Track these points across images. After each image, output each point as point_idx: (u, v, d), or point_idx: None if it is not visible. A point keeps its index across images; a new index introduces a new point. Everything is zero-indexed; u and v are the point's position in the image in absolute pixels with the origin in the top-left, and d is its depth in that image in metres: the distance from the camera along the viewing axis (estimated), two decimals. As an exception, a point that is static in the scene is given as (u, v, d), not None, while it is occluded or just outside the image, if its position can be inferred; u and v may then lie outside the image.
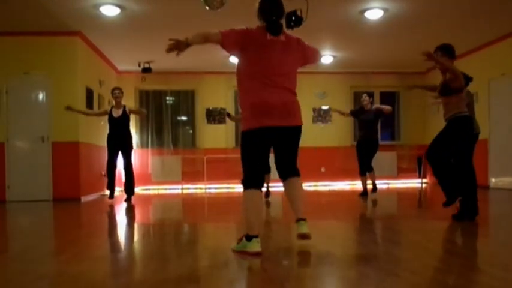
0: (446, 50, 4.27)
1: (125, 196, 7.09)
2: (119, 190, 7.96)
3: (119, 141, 6.88)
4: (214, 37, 2.84)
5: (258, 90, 2.86)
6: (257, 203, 2.89)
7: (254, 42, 2.90)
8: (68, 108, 6.70)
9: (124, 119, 6.91)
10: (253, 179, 2.87)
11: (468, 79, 4.82)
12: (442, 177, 4.12)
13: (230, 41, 2.87)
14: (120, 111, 6.92)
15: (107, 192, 7.17)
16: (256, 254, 2.70)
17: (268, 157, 2.98)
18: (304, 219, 2.98)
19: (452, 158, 4.17)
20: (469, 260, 2.70)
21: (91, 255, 3.00)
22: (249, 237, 2.76)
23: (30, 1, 6.12)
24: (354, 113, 7.42)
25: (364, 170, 7.00)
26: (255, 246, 2.72)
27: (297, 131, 2.98)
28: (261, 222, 2.92)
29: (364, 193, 7.07)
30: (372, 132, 6.99)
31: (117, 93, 6.97)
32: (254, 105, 2.84)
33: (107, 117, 6.99)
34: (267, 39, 2.93)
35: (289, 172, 3.05)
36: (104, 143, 7.11)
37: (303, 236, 2.96)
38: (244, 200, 2.87)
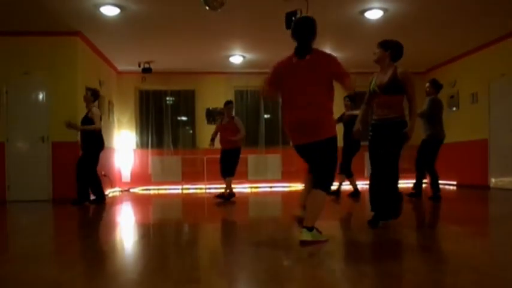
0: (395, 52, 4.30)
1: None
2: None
3: (83, 145, 6.81)
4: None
5: (286, 111, 3.27)
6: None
7: (283, 72, 3.23)
8: (69, 125, 6.65)
9: (84, 121, 6.77)
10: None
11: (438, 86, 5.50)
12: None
13: (271, 87, 3.31)
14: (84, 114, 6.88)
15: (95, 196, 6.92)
16: (325, 241, 3.13)
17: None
18: (306, 227, 3.09)
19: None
20: (469, 259, 2.70)
21: (91, 256, 3.00)
22: (311, 228, 3.08)
23: (30, 1, 6.12)
24: (338, 120, 7.41)
25: (349, 170, 7.08)
26: (322, 236, 3.16)
27: (318, 145, 3.16)
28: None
29: (355, 193, 7.13)
30: (349, 133, 6.94)
31: (88, 95, 6.85)
32: (285, 126, 3.34)
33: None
34: (292, 64, 3.22)
35: (314, 184, 3.23)
36: (104, 143, 7.07)
37: (301, 243, 3.06)
38: (323, 201, 3.21)
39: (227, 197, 6.94)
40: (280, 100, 3.34)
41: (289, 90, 3.20)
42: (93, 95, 6.85)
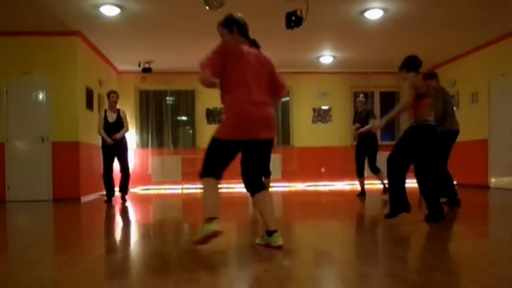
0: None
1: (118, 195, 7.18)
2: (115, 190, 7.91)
3: (114, 146, 6.87)
4: None
5: (236, 101, 3.01)
6: (216, 189, 2.97)
7: (231, 57, 3.02)
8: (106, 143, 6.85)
9: (119, 124, 6.93)
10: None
11: None
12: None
13: (214, 72, 2.98)
14: (115, 116, 6.94)
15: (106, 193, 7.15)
16: (215, 234, 2.79)
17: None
18: (274, 231, 2.97)
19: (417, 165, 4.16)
20: (469, 259, 2.70)
21: (91, 256, 3.00)
22: (208, 220, 2.82)
23: (30, 1, 6.12)
24: (354, 120, 7.40)
25: (361, 171, 7.00)
26: (214, 226, 2.79)
27: (269, 144, 3.06)
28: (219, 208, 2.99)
29: (361, 194, 7.08)
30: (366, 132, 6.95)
31: (114, 96, 6.96)
32: (233, 117, 3.04)
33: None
34: (244, 51, 3.06)
35: (255, 187, 3.06)
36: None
37: (279, 247, 2.94)
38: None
39: None
40: (220, 86, 3.01)
41: (241, 78, 2.87)
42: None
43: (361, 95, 7.25)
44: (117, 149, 6.92)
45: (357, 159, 7.05)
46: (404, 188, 4.11)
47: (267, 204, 3.01)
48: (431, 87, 4.99)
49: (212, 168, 2.95)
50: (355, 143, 7.40)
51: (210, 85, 2.93)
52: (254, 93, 2.87)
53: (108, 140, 6.79)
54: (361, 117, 7.04)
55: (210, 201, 2.89)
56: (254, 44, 3.09)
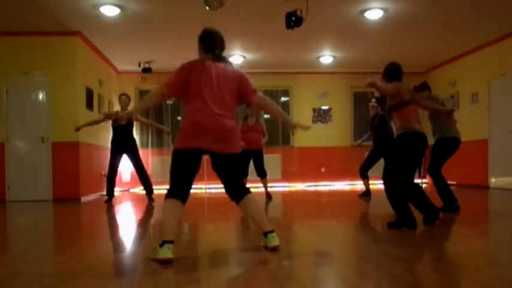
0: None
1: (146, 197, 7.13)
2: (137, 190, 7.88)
3: (125, 147, 6.83)
4: None
5: (196, 112, 2.97)
6: (177, 212, 2.89)
7: (193, 72, 3.00)
8: (77, 129, 6.73)
9: (130, 126, 6.87)
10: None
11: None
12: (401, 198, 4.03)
13: (177, 85, 2.99)
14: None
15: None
16: (167, 261, 2.61)
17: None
18: (270, 232, 2.95)
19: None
20: (469, 259, 2.70)
21: (91, 256, 3.00)
22: (162, 243, 2.68)
23: (30, 1, 6.12)
24: (368, 128, 7.33)
25: (366, 171, 6.97)
26: (166, 252, 2.63)
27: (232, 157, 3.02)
28: (176, 232, 2.94)
29: (366, 193, 7.06)
30: (377, 136, 6.89)
31: (124, 98, 6.89)
32: (190, 125, 3.00)
33: (110, 121, 6.97)
34: (205, 66, 3.03)
35: (237, 193, 3.05)
36: (104, 143, 7.10)
37: (275, 249, 2.91)
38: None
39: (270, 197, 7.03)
40: (182, 99, 3.00)
41: (198, 91, 2.87)
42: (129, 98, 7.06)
43: (373, 100, 7.04)
44: (127, 149, 6.83)
45: (369, 161, 6.93)
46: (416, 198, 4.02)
47: (251, 209, 2.99)
48: (425, 97, 4.94)
49: (177, 187, 2.95)
50: (355, 143, 7.36)
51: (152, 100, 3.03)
52: (210, 105, 2.86)
53: (118, 116, 6.72)
54: (374, 123, 6.93)
55: (169, 223, 2.78)
56: (219, 58, 3.05)
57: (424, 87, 5.22)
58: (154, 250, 2.73)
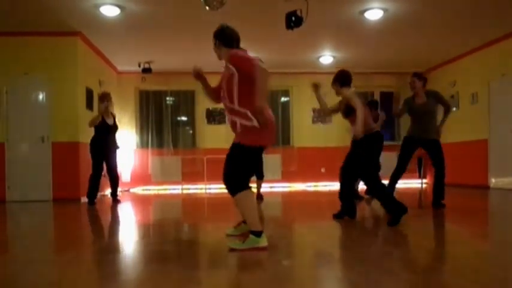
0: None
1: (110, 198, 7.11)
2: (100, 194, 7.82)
3: (108, 147, 6.80)
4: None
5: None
6: (256, 202, 3.11)
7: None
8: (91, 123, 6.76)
9: (115, 127, 6.92)
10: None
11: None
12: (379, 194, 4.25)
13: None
14: (112, 119, 6.90)
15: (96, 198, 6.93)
16: (265, 248, 2.90)
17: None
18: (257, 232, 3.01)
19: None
20: (469, 259, 2.70)
21: (91, 256, 3.00)
22: (258, 234, 2.92)
23: (30, 1, 6.13)
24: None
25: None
26: (265, 241, 2.94)
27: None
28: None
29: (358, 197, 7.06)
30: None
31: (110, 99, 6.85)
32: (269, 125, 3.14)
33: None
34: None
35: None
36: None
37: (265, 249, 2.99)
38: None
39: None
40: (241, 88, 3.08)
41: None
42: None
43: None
44: (110, 149, 6.81)
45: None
46: (391, 192, 4.25)
47: (240, 208, 3.05)
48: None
49: (248, 181, 3.09)
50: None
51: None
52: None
53: (102, 111, 6.72)
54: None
55: (256, 215, 2.98)
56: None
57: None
58: (245, 241, 2.93)
